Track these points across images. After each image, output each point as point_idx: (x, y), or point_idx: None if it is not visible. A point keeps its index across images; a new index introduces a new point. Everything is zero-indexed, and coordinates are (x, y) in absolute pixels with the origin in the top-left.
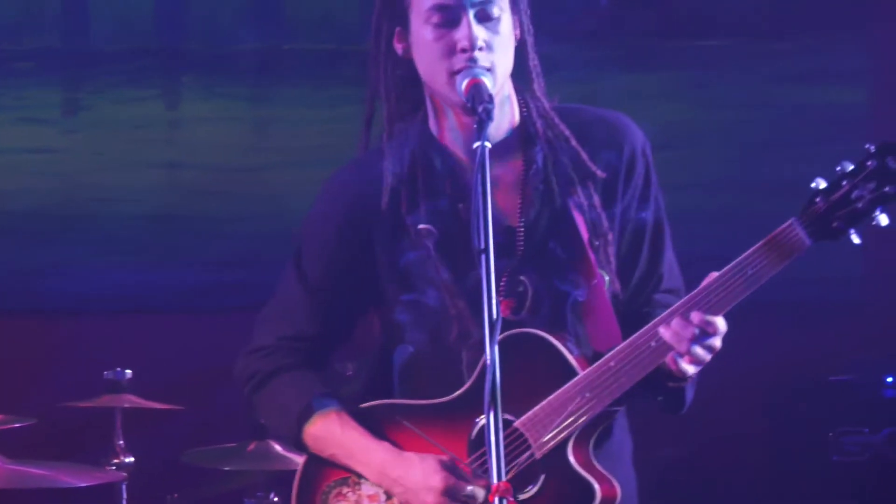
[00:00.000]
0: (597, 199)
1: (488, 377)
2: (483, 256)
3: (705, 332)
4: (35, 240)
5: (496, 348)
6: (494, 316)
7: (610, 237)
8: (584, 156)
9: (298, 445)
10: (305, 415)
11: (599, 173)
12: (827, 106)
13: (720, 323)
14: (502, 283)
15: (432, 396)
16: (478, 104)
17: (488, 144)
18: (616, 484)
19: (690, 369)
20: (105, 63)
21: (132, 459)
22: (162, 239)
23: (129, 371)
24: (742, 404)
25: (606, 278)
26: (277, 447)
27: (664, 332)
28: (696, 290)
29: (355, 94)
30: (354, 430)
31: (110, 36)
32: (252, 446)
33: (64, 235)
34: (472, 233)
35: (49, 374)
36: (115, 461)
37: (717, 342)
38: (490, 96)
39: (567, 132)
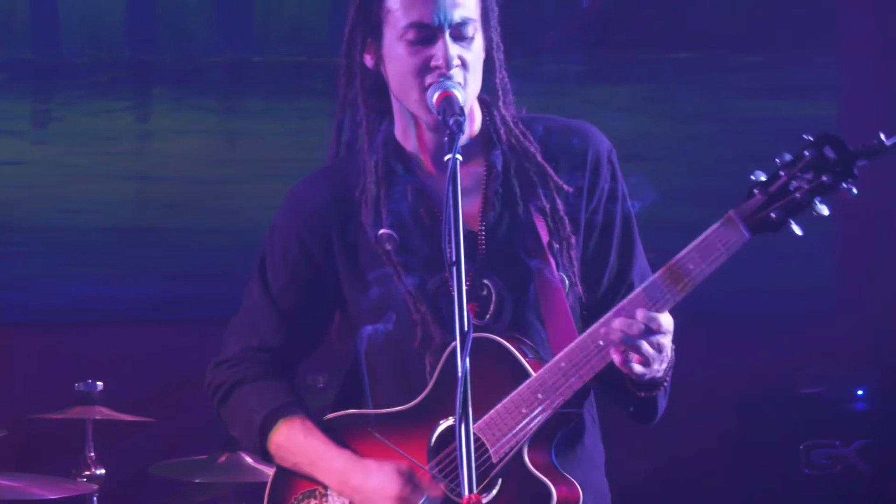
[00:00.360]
0: (559, 204)
1: (459, 390)
2: (454, 269)
3: (650, 329)
4: (5, 251)
5: (467, 360)
6: (466, 328)
7: (573, 241)
8: (540, 159)
9: (264, 455)
10: (269, 424)
11: (558, 180)
12: (797, 119)
13: (665, 320)
14: (466, 288)
15: (400, 403)
16: (449, 117)
17: (459, 157)
18: (578, 488)
19: (639, 369)
20: (75, 75)
21: (103, 471)
22: (132, 251)
23: (100, 383)
24: (713, 417)
25: (566, 281)
26: (248, 459)
27: (609, 332)
28: (637, 289)
29: (325, 107)
30: (317, 438)
31: (81, 48)
32: (223, 458)
33: (34, 247)
34: (443, 244)
35: (20, 385)
36: (86, 473)
37: (664, 340)
38: (461, 109)
39: (529, 139)
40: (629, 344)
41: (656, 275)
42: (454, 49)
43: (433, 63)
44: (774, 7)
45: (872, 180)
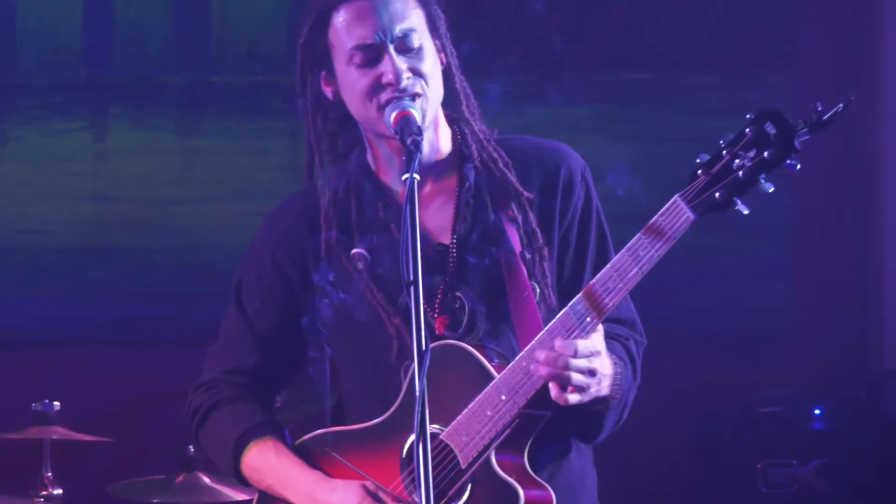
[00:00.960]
0: (532, 217)
1: (417, 409)
2: (412, 289)
3: (576, 356)
4: None
5: (424, 381)
6: (423, 347)
7: (545, 252)
8: (512, 175)
9: (239, 478)
10: (241, 445)
11: (527, 194)
12: None
13: (589, 344)
14: (437, 301)
15: (376, 417)
16: (406, 136)
17: (417, 177)
18: (551, 492)
19: (574, 398)
20: (32, 95)
21: (60, 491)
22: (89, 271)
23: (56, 403)
24: (670, 436)
25: (538, 290)
26: (206, 479)
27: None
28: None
29: (282, 126)
30: (289, 459)
31: (37, 68)
32: (180, 478)
33: None
34: (400, 265)
35: None
36: (44, 493)
37: (594, 363)
38: (419, 128)
39: (501, 154)
40: (557, 378)
41: (610, 264)
42: (402, 62)
43: (384, 80)
44: (730, 27)
45: (828, 198)
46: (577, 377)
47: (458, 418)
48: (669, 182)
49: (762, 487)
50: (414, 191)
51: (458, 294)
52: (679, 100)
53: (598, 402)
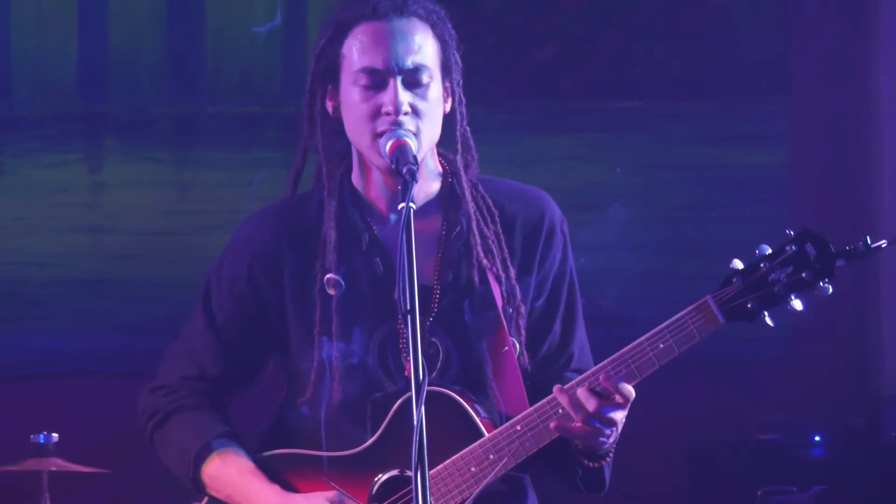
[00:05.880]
0: (513, 272)
1: (415, 438)
2: (409, 317)
3: (612, 401)
4: None
5: (422, 409)
6: (421, 377)
7: (522, 310)
8: (499, 227)
9: (196, 485)
10: (203, 454)
11: (515, 249)
12: (748, 167)
13: (627, 391)
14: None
15: (335, 449)
16: (402, 166)
17: (413, 206)
18: None
19: (592, 441)
20: (27, 127)
21: None
22: (85, 303)
23: (55, 435)
24: (669, 463)
25: (517, 347)
26: None
27: (563, 399)
28: (605, 361)
29: (278, 157)
30: (250, 472)
31: (32, 100)
32: None
33: None
34: (398, 293)
35: None
36: None
37: (619, 415)
38: (415, 158)
39: (489, 203)
40: (585, 417)
41: (626, 348)
42: (405, 96)
43: (383, 109)
44: (724, 55)
45: (825, 224)
46: (597, 426)
47: (440, 468)
48: (664, 210)
49: None
50: (410, 220)
51: (433, 340)
52: (674, 128)
53: (599, 456)
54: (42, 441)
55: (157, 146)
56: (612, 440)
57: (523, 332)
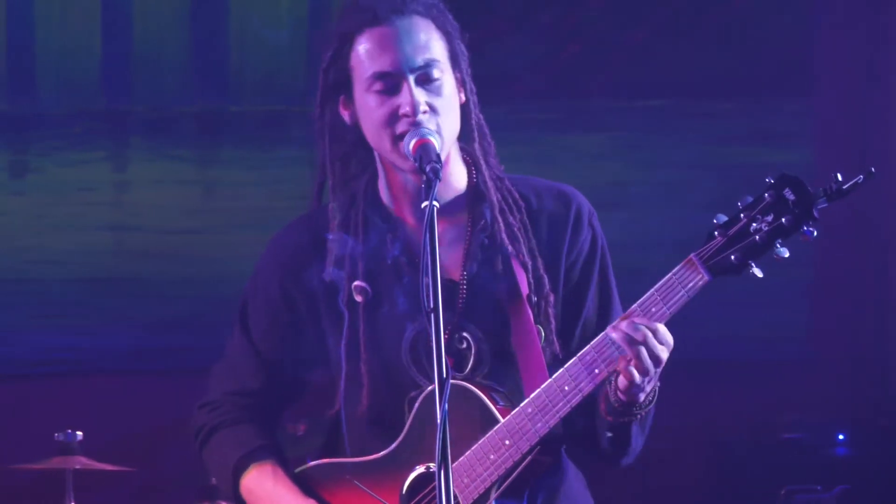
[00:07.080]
0: (540, 262)
1: (438, 436)
2: (433, 316)
3: (654, 335)
4: None
5: (446, 407)
6: (444, 375)
7: (551, 299)
8: (525, 216)
9: (237, 499)
10: (241, 467)
11: (543, 239)
12: (772, 165)
13: (664, 331)
14: (444, 339)
15: (364, 453)
16: (426, 164)
17: (436, 204)
18: None
19: (637, 376)
20: (52, 126)
21: None
22: (109, 301)
23: (79, 433)
24: (694, 461)
25: (542, 334)
26: None
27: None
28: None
29: (301, 156)
30: (285, 486)
31: (57, 98)
32: None
33: (11, 298)
34: (420, 292)
35: None
36: None
37: (663, 353)
38: (438, 156)
39: (514, 195)
40: (630, 345)
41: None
42: (420, 95)
43: (401, 111)
44: (747, 54)
45: (845, 225)
46: (646, 356)
47: (461, 459)
48: (687, 209)
49: None
50: (433, 218)
51: (464, 334)
52: (696, 127)
53: (627, 413)
54: (66, 439)
55: (181, 144)
56: (649, 388)
57: (553, 319)
